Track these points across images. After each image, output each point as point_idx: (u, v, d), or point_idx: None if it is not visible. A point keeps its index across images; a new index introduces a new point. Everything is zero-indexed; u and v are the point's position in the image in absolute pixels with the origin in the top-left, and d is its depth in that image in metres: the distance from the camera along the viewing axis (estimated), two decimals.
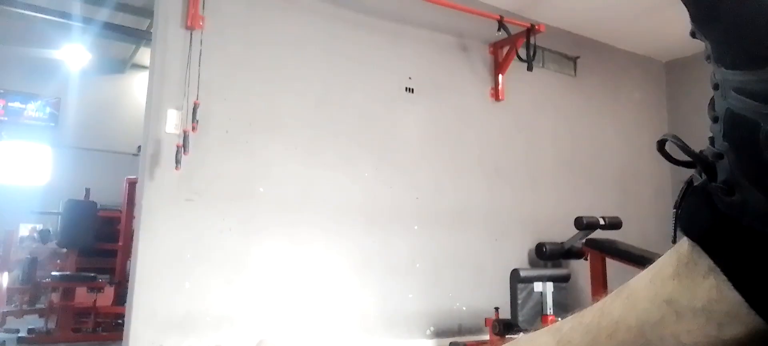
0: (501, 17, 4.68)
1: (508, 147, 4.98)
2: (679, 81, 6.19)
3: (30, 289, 5.92)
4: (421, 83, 4.57)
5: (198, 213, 3.54)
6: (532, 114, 5.20)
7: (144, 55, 8.55)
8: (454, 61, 4.79)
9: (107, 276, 5.98)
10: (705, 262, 0.33)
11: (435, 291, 4.34)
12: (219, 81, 3.71)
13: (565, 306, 3.94)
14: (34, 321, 5.66)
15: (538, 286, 3.93)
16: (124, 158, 8.78)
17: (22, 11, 6.63)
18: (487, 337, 4.14)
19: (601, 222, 4.55)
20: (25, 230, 8.63)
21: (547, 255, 4.68)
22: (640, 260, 3.96)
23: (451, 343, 4.10)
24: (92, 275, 5.65)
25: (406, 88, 4.50)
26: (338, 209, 4.04)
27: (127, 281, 3.63)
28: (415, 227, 4.35)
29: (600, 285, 4.26)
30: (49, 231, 7.96)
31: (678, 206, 0.36)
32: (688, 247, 0.34)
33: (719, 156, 0.33)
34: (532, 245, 4.87)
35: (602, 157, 5.62)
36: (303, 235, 3.88)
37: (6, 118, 9.01)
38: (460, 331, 4.37)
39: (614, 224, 4.59)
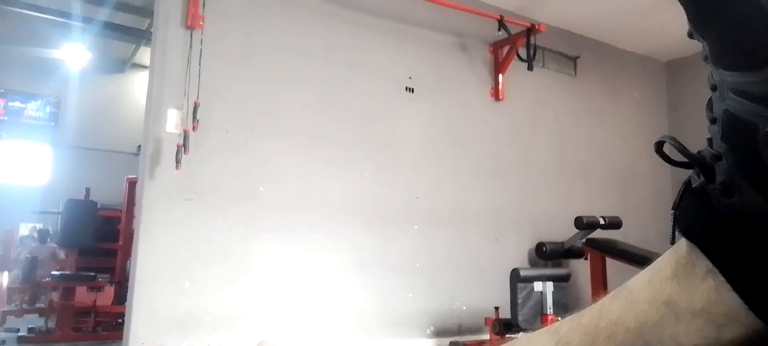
0: (501, 17, 4.68)
1: (509, 147, 4.98)
2: (679, 81, 6.19)
3: (30, 288, 5.92)
4: (421, 83, 4.57)
5: (198, 213, 3.54)
6: (532, 114, 5.20)
7: (144, 55, 8.55)
8: (454, 61, 4.79)
9: (107, 276, 5.98)
10: (703, 263, 0.33)
11: (435, 291, 4.34)
12: (219, 81, 3.71)
13: (565, 306, 3.94)
14: (34, 320, 5.66)
15: (538, 285, 3.93)
16: (124, 158, 8.78)
17: (23, 11, 6.63)
18: (487, 336, 4.15)
19: (601, 222, 4.56)
20: (25, 229, 8.63)
21: (547, 255, 4.68)
22: (639, 259, 3.96)
23: (451, 343, 4.10)
24: (92, 274, 5.65)
25: (406, 88, 4.50)
26: (338, 208, 4.04)
27: (127, 280, 3.63)
28: (415, 227, 4.35)
29: (600, 285, 4.26)
30: (48, 231, 7.96)
31: (676, 206, 0.36)
32: (687, 248, 0.34)
33: (717, 157, 0.33)
34: (532, 245, 4.87)
35: (602, 157, 5.62)
36: (303, 235, 3.88)
37: (6, 118, 9.02)
38: (460, 331, 4.37)
39: (614, 224, 4.59)
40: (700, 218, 0.34)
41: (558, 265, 4.76)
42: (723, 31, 0.32)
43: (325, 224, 3.98)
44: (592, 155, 5.55)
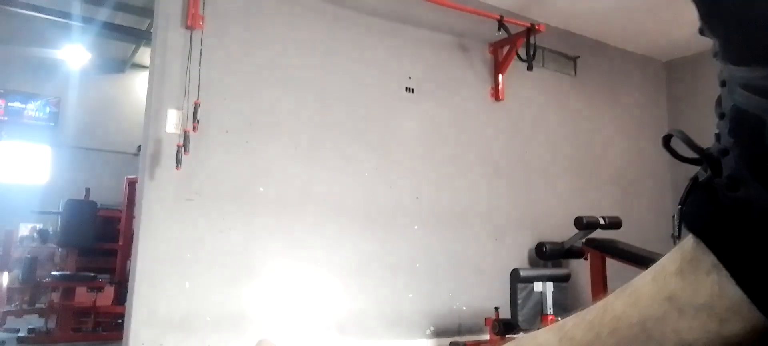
0: (501, 17, 4.69)
1: (508, 147, 4.98)
2: (679, 81, 6.19)
3: (30, 289, 5.92)
4: (421, 83, 4.57)
5: (198, 213, 3.54)
6: (532, 114, 5.20)
7: (144, 55, 8.54)
8: (454, 61, 4.80)
9: (107, 276, 5.98)
10: (708, 259, 0.33)
11: (435, 291, 4.34)
12: (219, 81, 3.72)
13: (565, 306, 3.94)
14: (34, 321, 5.66)
15: (538, 286, 3.93)
16: (124, 158, 8.78)
17: (23, 11, 6.63)
18: (487, 337, 4.14)
19: (601, 222, 4.56)
20: (25, 229, 8.62)
21: (547, 255, 4.68)
22: (639, 259, 3.96)
23: (451, 343, 4.10)
24: (92, 274, 5.64)
25: (406, 88, 4.51)
26: (338, 208, 4.04)
27: (127, 280, 3.63)
28: (415, 227, 4.35)
29: (600, 285, 4.26)
30: (48, 231, 7.95)
31: (683, 202, 0.37)
32: (692, 243, 0.35)
33: (725, 152, 0.33)
34: (532, 245, 4.87)
35: (602, 157, 5.62)
36: (303, 235, 3.88)
37: (6, 118, 9.01)
38: (460, 331, 4.37)
39: (614, 224, 4.59)
40: (706, 212, 0.34)
41: (558, 265, 4.76)
42: (733, 27, 0.32)
43: (325, 224, 3.98)
44: (592, 155, 5.55)
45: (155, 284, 3.36)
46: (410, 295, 4.24)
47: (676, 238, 0.37)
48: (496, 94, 4.95)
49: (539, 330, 0.43)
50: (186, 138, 3.43)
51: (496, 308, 4.03)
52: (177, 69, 3.58)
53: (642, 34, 5.68)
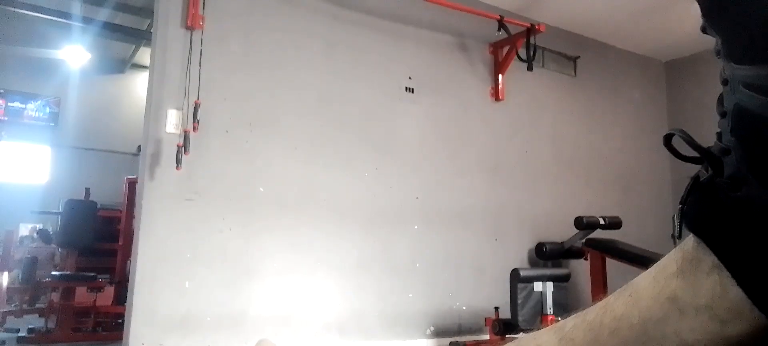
0: (501, 17, 4.68)
1: (508, 147, 4.98)
2: (679, 81, 6.19)
3: (30, 289, 5.92)
4: (421, 83, 4.57)
5: (198, 213, 3.54)
6: (532, 114, 5.20)
7: (144, 55, 8.55)
8: (454, 61, 4.79)
9: (107, 276, 5.98)
10: (709, 259, 0.33)
11: (435, 291, 4.34)
12: (219, 81, 3.71)
13: (565, 306, 3.94)
14: (34, 321, 5.66)
15: (538, 286, 3.93)
16: (124, 158, 8.78)
17: (23, 11, 6.63)
18: (487, 337, 4.14)
19: (601, 222, 4.56)
20: (25, 229, 8.63)
21: (547, 255, 4.68)
22: (639, 259, 3.96)
23: (451, 343, 4.10)
24: (92, 274, 5.64)
25: (406, 88, 4.50)
26: (338, 208, 4.04)
27: (127, 280, 3.63)
28: (415, 227, 4.35)
29: (600, 285, 4.26)
30: (48, 231, 7.95)
31: (684, 201, 0.36)
32: (693, 244, 0.34)
33: (726, 151, 0.33)
34: (532, 245, 4.87)
35: (602, 157, 5.62)
36: (303, 235, 3.88)
37: (6, 118, 9.01)
38: (460, 331, 4.37)
39: (614, 224, 4.59)
40: (708, 212, 0.34)
41: (558, 265, 4.76)
42: (736, 25, 0.32)
43: (325, 224, 3.98)
44: (592, 155, 5.55)
45: (155, 284, 3.36)
46: (410, 295, 4.24)
47: (677, 238, 0.37)
48: (496, 94, 4.95)
49: (539, 331, 0.43)
50: (186, 138, 3.42)
51: (496, 308, 4.03)
52: (177, 69, 3.58)
53: (642, 34, 5.68)
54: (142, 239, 3.39)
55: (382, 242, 4.18)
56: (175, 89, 3.55)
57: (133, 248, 3.53)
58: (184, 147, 3.40)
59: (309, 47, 4.11)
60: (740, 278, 0.31)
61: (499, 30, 4.70)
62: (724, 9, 0.33)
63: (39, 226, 8.24)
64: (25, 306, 5.78)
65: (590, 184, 5.46)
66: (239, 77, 3.81)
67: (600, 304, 0.39)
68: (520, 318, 3.86)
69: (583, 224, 4.52)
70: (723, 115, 0.34)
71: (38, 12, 6.65)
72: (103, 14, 6.85)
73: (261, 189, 3.78)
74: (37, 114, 9.27)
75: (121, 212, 6.20)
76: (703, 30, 0.35)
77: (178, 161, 3.39)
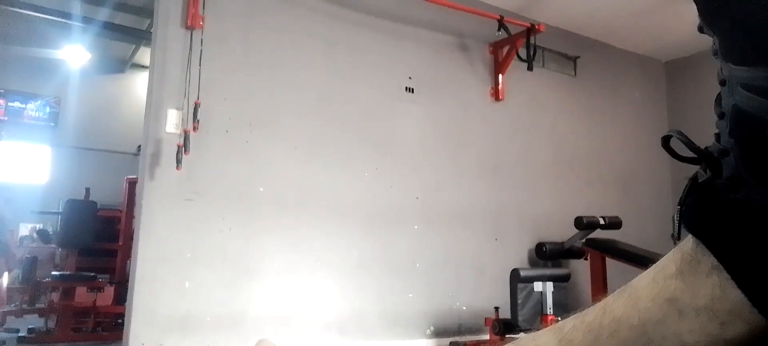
0: (501, 17, 4.68)
1: (508, 147, 4.98)
2: (679, 81, 6.19)
3: (30, 289, 5.92)
4: (421, 83, 4.57)
5: (198, 213, 3.54)
6: (532, 114, 5.20)
7: (144, 55, 8.54)
8: (454, 61, 4.79)
9: (107, 276, 5.97)
10: (708, 260, 0.33)
11: (435, 291, 4.34)
12: (219, 81, 3.71)
13: (565, 306, 3.94)
14: (34, 321, 5.65)
15: (538, 286, 3.93)
16: (124, 158, 8.78)
17: (23, 11, 6.63)
18: (487, 337, 4.14)
19: (601, 222, 4.56)
20: (25, 229, 8.62)
21: (547, 255, 4.68)
22: (639, 259, 3.96)
23: (451, 343, 4.10)
24: (92, 274, 5.64)
25: (406, 88, 4.50)
26: (338, 208, 4.04)
27: (127, 280, 3.63)
28: (415, 227, 4.35)
29: (600, 285, 4.26)
30: (48, 231, 7.95)
31: (682, 202, 0.36)
32: (692, 245, 0.34)
33: (725, 152, 0.33)
34: (532, 245, 4.87)
35: (602, 157, 5.62)
36: (303, 235, 3.88)
37: (6, 118, 9.01)
38: (460, 331, 4.37)
39: (614, 224, 4.59)
40: (706, 213, 0.34)
41: (558, 265, 4.76)
42: (733, 25, 0.32)
43: (325, 224, 3.98)
44: (592, 155, 5.55)
45: (155, 284, 3.36)
46: (410, 295, 4.24)
47: (676, 238, 0.37)
48: (496, 94, 4.95)
49: (539, 332, 0.43)
50: (186, 138, 3.42)
51: (496, 308, 4.03)
52: (177, 69, 3.57)
53: (642, 34, 5.68)
54: (142, 239, 3.39)
55: (382, 242, 4.18)
56: (175, 89, 3.55)
57: (133, 248, 3.53)
58: (184, 147, 3.41)
59: (309, 47, 4.11)
60: (740, 280, 0.31)
61: (499, 30, 4.70)
62: (721, 9, 0.32)
63: (39, 226, 8.24)
64: (25, 306, 5.77)
65: (590, 184, 5.46)
66: (239, 77, 3.81)
67: (599, 305, 0.39)
68: (520, 318, 3.86)
69: (583, 224, 4.52)
70: (721, 116, 0.34)
71: (38, 12, 6.64)
72: (103, 14, 6.84)
73: (261, 189, 3.78)
74: (37, 114, 9.27)
75: (121, 212, 6.20)
76: (700, 30, 0.35)
77: (178, 161, 3.39)
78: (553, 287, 3.95)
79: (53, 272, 5.79)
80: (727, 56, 0.33)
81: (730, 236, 0.32)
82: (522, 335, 0.47)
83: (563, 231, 4.78)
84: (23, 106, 9.17)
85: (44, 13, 6.69)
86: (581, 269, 4.68)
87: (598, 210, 4.91)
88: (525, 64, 4.72)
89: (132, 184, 5.49)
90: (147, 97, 3.65)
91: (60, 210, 6.59)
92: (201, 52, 3.61)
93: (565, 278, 4.13)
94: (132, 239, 3.83)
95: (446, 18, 4.67)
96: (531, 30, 4.72)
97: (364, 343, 3.98)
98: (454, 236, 4.51)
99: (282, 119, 3.94)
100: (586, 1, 5.06)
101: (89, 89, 9.22)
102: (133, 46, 8.72)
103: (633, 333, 0.35)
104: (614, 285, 0.39)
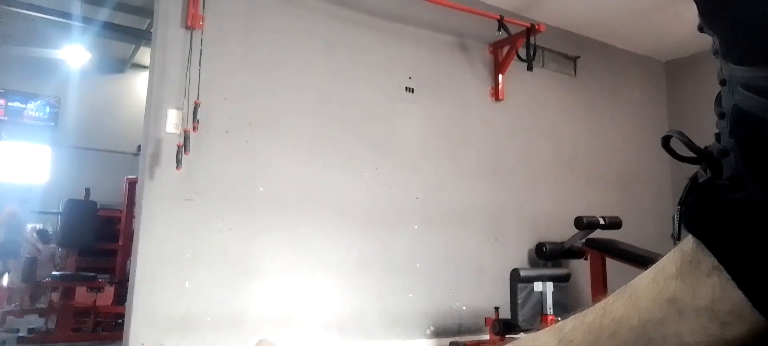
0: (501, 17, 4.68)
1: (508, 147, 4.97)
2: (679, 81, 6.19)
3: (30, 289, 5.92)
4: (421, 83, 4.57)
5: (198, 213, 3.54)
6: (532, 114, 5.19)
7: (144, 55, 8.54)
8: (454, 61, 4.79)
9: (107, 276, 5.97)
10: (709, 260, 0.33)
11: (435, 291, 4.34)
12: (219, 81, 3.71)
13: (565, 306, 3.94)
14: (34, 321, 5.66)
15: (538, 286, 3.93)
16: (124, 158, 8.78)
17: (23, 11, 6.63)
18: (487, 337, 4.14)
19: (601, 222, 4.55)
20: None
21: (547, 255, 4.67)
22: (639, 259, 3.96)
23: (451, 343, 4.10)
24: (92, 274, 5.64)
25: (406, 88, 4.50)
26: (338, 208, 4.04)
27: (127, 280, 3.63)
28: (415, 227, 4.35)
29: (600, 285, 4.26)
30: (47, 231, 7.95)
31: (682, 202, 0.36)
32: (692, 245, 0.34)
33: (725, 153, 0.33)
34: (532, 245, 4.87)
35: (602, 157, 5.62)
36: (303, 235, 3.88)
37: (6, 118, 9.01)
38: (460, 331, 4.37)
39: (614, 224, 4.59)
40: (707, 213, 0.34)
41: (558, 265, 4.75)
42: (734, 25, 0.31)
43: (325, 224, 3.98)
44: (592, 155, 5.54)
45: (155, 284, 3.36)
46: (410, 295, 4.24)
47: (676, 238, 0.37)
48: (496, 94, 4.95)
49: (538, 332, 0.43)
50: (186, 138, 3.42)
51: (496, 308, 4.03)
52: (177, 69, 3.57)
53: (642, 34, 5.68)
54: (142, 239, 3.38)
55: (382, 242, 4.18)
56: (175, 89, 3.55)
57: (133, 248, 3.53)
58: (184, 147, 3.40)
59: (309, 47, 4.11)
60: (740, 280, 0.31)
61: (499, 30, 4.70)
62: (721, 9, 0.32)
63: (39, 226, 8.24)
64: (25, 306, 5.77)
65: (590, 184, 5.45)
66: (239, 77, 3.81)
67: (599, 305, 0.39)
68: (520, 318, 3.86)
69: (583, 224, 4.52)
70: (721, 116, 0.33)
71: (38, 12, 6.64)
72: (103, 14, 6.84)
73: (261, 189, 3.78)
74: (37, 114, 9.27)
75: (121, 212, 6.19)
76: (700, 29, 0.35)
77: (178, 161, 3.39)
78: (553, 287, 3.95)
79: (53, 272, 5.79)
80: (728, 56, 0.32)
81: (731, 237, 0.32)
82: (522, 335, 0.47)
83: (563, 231, 4.77)
84: (23, 106, 9.17)
85: (44, 13, 6.69)
86: (581, 269, 4.68)
87: (598, 210, 4.91)
88: (525, 64, 4.72)
89: (132, 184, 5.49)
90: (147, 97, 3.65)
91: (60, 210, 6.59)
92: (201, 52, 3.61)
93: (565, 278, 4.13)
94: (132, 239, 3.83)
95: (446, 18, 4.67)
96: (531, 30, 4.72)
97: (364, 343, 3.98)
98: (454, 236, 4.51)
99: (282, 119, 3.94)
100: (586, 1, 5.06)
101: (89, 89, 9.22)
102: (133, 46, 8.72)
103: (633, 334, 0.35)
104: (614, 285, 0.39)
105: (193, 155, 3.48)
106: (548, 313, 3.89)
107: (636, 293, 0.37)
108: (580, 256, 4.57)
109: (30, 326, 5.44)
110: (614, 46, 5.93)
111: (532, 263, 4.84)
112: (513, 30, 4.74)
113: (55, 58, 8.48)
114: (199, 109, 3.50)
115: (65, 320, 5.31)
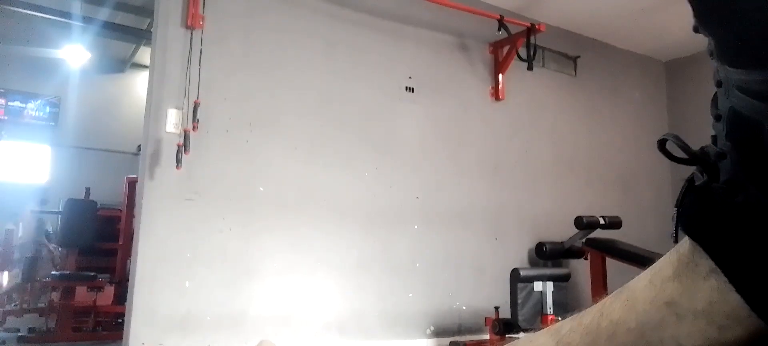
0: (501, 17, 4.68)
1: (508, 147, 4.97)
2: (679, 81, 6.18)
3: (30, 288, 5.92)
4: (421, 83, 4.57)
5: (198, 213, 3.54)
6: (532, 114, 5.19)
7: (144, 55, 8.54)
8: (454, 61, 4.79)
9: (107, 275, 5.97)
10: (706, 263, 0.33)
11: (435, 291, 4.34)
12: (219, 80, 3.71)
13: (565, 306, 3.94)
14: (34, 320, 5.65)
15: (538, 285, 3.93)
16: (124, 158, 8.77)
17: (23, 11, 6.63)
18: (487, 336, 4.14)
19: (601, 222, 4.55)
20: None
21: (547, 255, 4.67)
22: (639, 259, 3.96)
23: (451, 343, 4.10)
24: (92, 274, 5.64)
25: (406, 88, 4.50)
26: (338, 208, 4.04)
27: (127, 280, 3.63)
28: (415, 227, 4.35)
29: (600, 285, 4.26)
30: (48, 231, 7.94)
31: (679, 204, 0.36)
32: (689, 247, 0.34)
33: (722, 156, 0.33)
34: (532, 245, 4.87)
35: (602, 157, 5.62)
36: (303, 235, 3.88)
37: (6, 118, 9.00)
38: (460, 330, 4.37)
39: (614, 224, 4.59)
40: (704, 216, 0.34)
41: (558, 265, 4.75)
42: (729, 27, 0.31)
43: (325, 224, 3.98)
44: (592, 155, 5.54)
45: (155, 283, 3.36)
46: (410, 295, 4.24)
47: (675, 239, 0.37)
48: (496, 94, 4.95)
49: (536, 333, 0.43)
50: (186, 138, 3.42)
51: (496, 308, 4.03)
52: (177, 69, 3.57)
53: (642, 34, 5.68)
54: (142, 238, 3.39)
55: (382, 242, 4.18)
56: (175, 89, 3.55)
57: (133, 248, 3.54)
58: (184, 147, 3.41)
59: (309, 47, 4.11)
60: (738, 284, 0.31)
61: (499, 30, 4.70)
62: (717, 10, 0.32)
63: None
64: (25, 306, 5.77)
65: (590, 184, 5.45)
66: (239, 77, 3.81)
67: (596, 307, 0.39)
68: (520, 318, 3.86)
69: (583, 224, 4.52)
70: (718, 118, 0.33)
71: (38, 11, 6.64)
72: (103, 14, 6.84)
73: (261, 189, 3.78)
74: (37, 113, 9.26)
75: (121, 211, 6.20)
76: (696, 30, 0.35)
77: (178, 161, 3.39)
78: (553, 286, 3.95)
79: (53, 272, 5.79)
80: (723, 58, 0.32)
81: (728, 240, 0.32)
82: (522, 334, 0.47)
83: (563, 231, 4.77)
84: (23, 105, 9.16)
85: (44, 13, 6.69)
86: (581, 268, 4.68)
87: (598, 210, 4.91)
88: (525, 64, 4.72)
89: (132, 183, 5.49)
90: (147, 96, 3.65)
91: (60, 210, 6.59)
92: (201, 52, 3.61)
93: (565, 278, 4.13)
94: (132, 238, 3.83)
95: (446, 18, 4.67)
96: (531, 30, 4.71)
97: (364, 343, 3.98)
98: (454, 236, 4.51)
99: (282, 119, 3.94)
100: (586, 1, 5.06)
101: (89, 89, 9.21)
102: (133, 45, 8.71)
103: (631, 337, 0.35)
104: (614, 285, 0.39)
105: (193, 155, 3.48)
106: (548, 313, 3.89)
107: (633, 295, 0.36)
108: (580, 256, 4.57)
109: (30, 326, 5.44)
110: (614, 46, 5.93)
111: (532, 263, 4.84)
112: (513, 30, 4.74)
113: (55, 58, 8.48)
114: (199, 109, 3.50)
115: (65, 319, 5.31)
